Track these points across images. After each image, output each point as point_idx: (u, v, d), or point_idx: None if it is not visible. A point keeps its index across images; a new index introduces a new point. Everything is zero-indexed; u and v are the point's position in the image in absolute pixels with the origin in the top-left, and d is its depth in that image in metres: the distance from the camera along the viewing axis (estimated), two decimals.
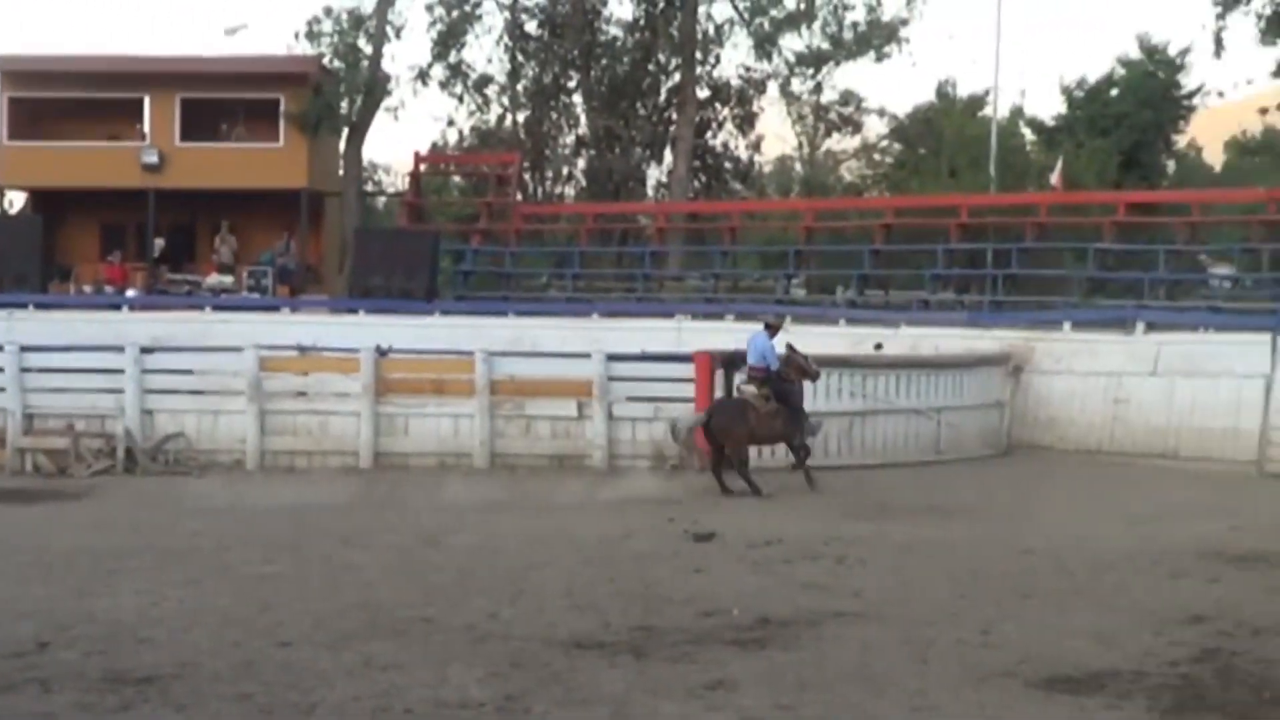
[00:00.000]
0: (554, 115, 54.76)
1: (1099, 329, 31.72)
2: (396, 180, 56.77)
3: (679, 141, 51.08)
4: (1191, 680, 12.02)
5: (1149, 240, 38.28)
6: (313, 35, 46.83)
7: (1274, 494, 24.44)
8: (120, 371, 27.19)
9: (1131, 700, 11.47)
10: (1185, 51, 54.51)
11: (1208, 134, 59.67)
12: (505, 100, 54.44)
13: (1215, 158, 60.54)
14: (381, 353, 27.91)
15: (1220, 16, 32.69)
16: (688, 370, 26.89)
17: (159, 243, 44.28)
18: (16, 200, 48.61)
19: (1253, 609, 14.73)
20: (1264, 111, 35.51)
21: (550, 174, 55.39)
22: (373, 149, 71.13)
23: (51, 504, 22.86)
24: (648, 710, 11.14)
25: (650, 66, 53.43)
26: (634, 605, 14.74)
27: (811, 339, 31.56)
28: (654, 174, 55.17)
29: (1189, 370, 28.92)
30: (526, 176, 52.56)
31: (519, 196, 48.74)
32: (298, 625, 13.72)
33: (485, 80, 53.60)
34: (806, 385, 25.15)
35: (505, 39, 53.19)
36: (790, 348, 25.02)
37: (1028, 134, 57.49)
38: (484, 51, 62.49)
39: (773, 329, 25.05)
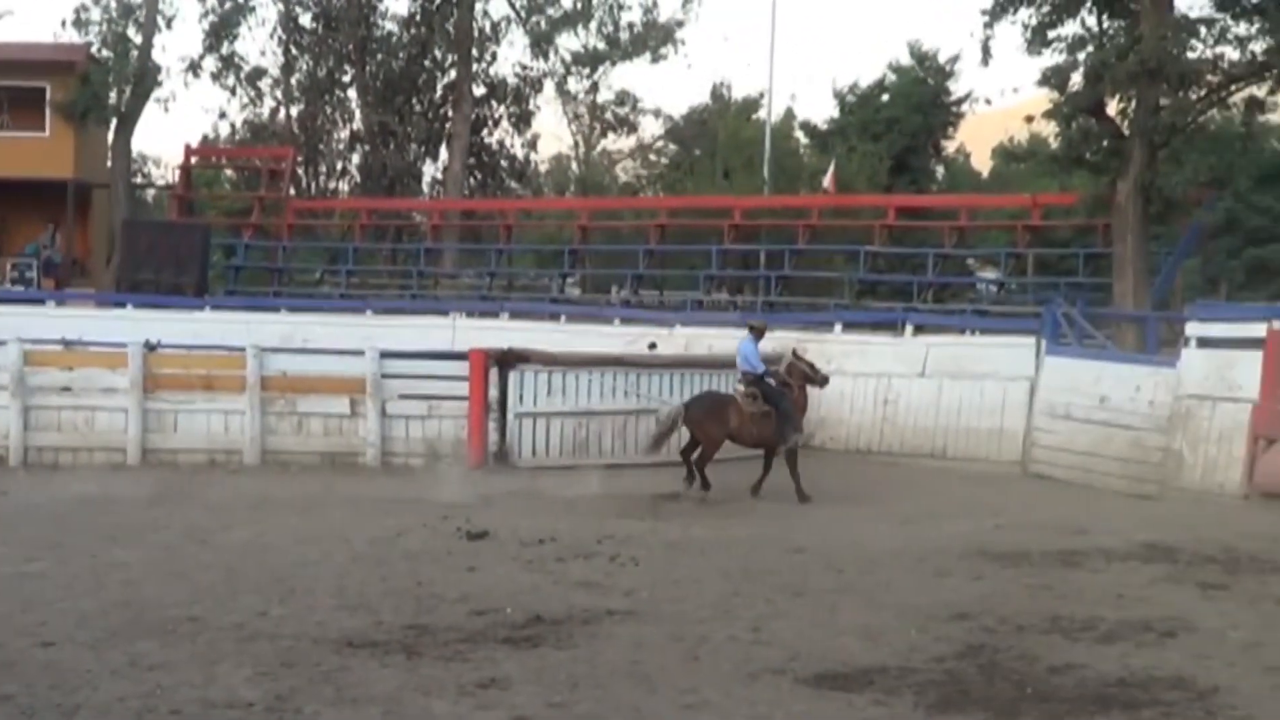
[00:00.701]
0: (328, 110, 54.36)
1: (869, 331, 32.17)
2: (166, 173, 55.96)
3: (454, 139, 50.95)
4: (956, 676, 12.22)
5: (918, 244, 38.96)
6: (81, 23, 45.94)
7: (1037, 493, 24.95)
8: None
9: (899, 696, 11.63)
10: (954, 59, 55.74)
11: (976, 140, 60.81)
12: (278, 94, 53.98)
13: (983, 164, 61.73)
14: (150, 347, 27.40)
15: (988, 25, 33.24)
16: (462, 368, 26.82)
17: None
18: None
19: (1015, 606, 15.02)
20: (1030, 119, 36.20)
21: (324, 169, 54.93)
22: (142, 140, 69.87)
23: None
24: (420, 709, 11.07)
25: (426, 63, 53.28)
26: (406, 604, 14.64)
27: (586, 338, 31.76)
28: (429, 171, 55.05)
29: (956, 372, 29.47)
30: (300, 171, 52.04)
31: (292, 191, 48.24)
32: (61, 624, 13.42)
33: (258, 73, 53.12)
34: (585, 382, 25.21)
35: (279, 31, 52.73)
36: (795, 353, 25.09)
37: (801, 137, 58.18)
38: (257, 44, 61.97)
39: (757, 331, 24.83)
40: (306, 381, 27.03)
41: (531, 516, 20.69)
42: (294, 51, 53.43)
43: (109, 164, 47.04)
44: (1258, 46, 31.89)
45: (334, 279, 42.61)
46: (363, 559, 17.28)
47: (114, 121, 45.89)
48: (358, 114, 53.84)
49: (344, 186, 55.02)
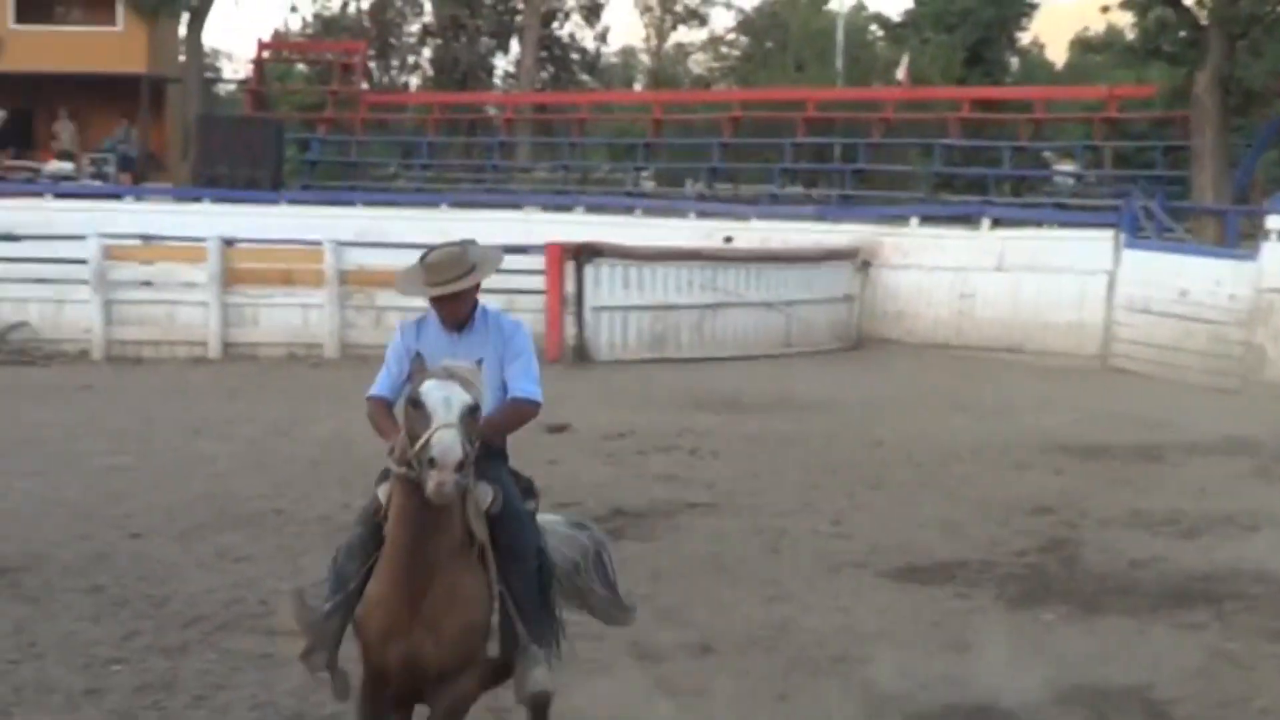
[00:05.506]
0: (399, 3, 54.12)
1: (945, 224, 31.92)
2: (239, 68, 55.89)
3: (526, 31, 50.75)
4: (1038, 570, 12.28)
5: (994, 137, 38.63)
6: None
7: (1116, 387, 24.81)
8: None
9: (980, 589, 11.69)
10: None
11: (1051, 32, 60.16)
12: None
13: (1058, 56, 61.05)
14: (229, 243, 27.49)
15: None
16: (539, 262, 26.78)
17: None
18: None
19: (1096, 500, 15.04)
20: (1105, 10, 35.67)
21: (396, 63, 54.79)
22: (214, 35, 69.80)
23: None
24: None
25: None
26: None
27: (661, 232, 31.65)
28: (501, 64, 54.83)
29: (1033, 266, 29.21)
30: (372, 65, 51.90)
31: (365, 85, 48.12)
32: (148, 517, 13.60)
33: None
34: (661, 277, 25.23)
35: None
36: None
37: (874, 29, 57.70)
38: None
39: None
40: (384, 275, 26.97)
41: (610, 410, 20.75)
42: None
43: (181, 58, 46.88)
44: None
45: (408, 173, 42.56)
46: None
47: (186, 15, 45.73)
48: (428, 6, 53.61)
49: (415, 80, 54.91)
